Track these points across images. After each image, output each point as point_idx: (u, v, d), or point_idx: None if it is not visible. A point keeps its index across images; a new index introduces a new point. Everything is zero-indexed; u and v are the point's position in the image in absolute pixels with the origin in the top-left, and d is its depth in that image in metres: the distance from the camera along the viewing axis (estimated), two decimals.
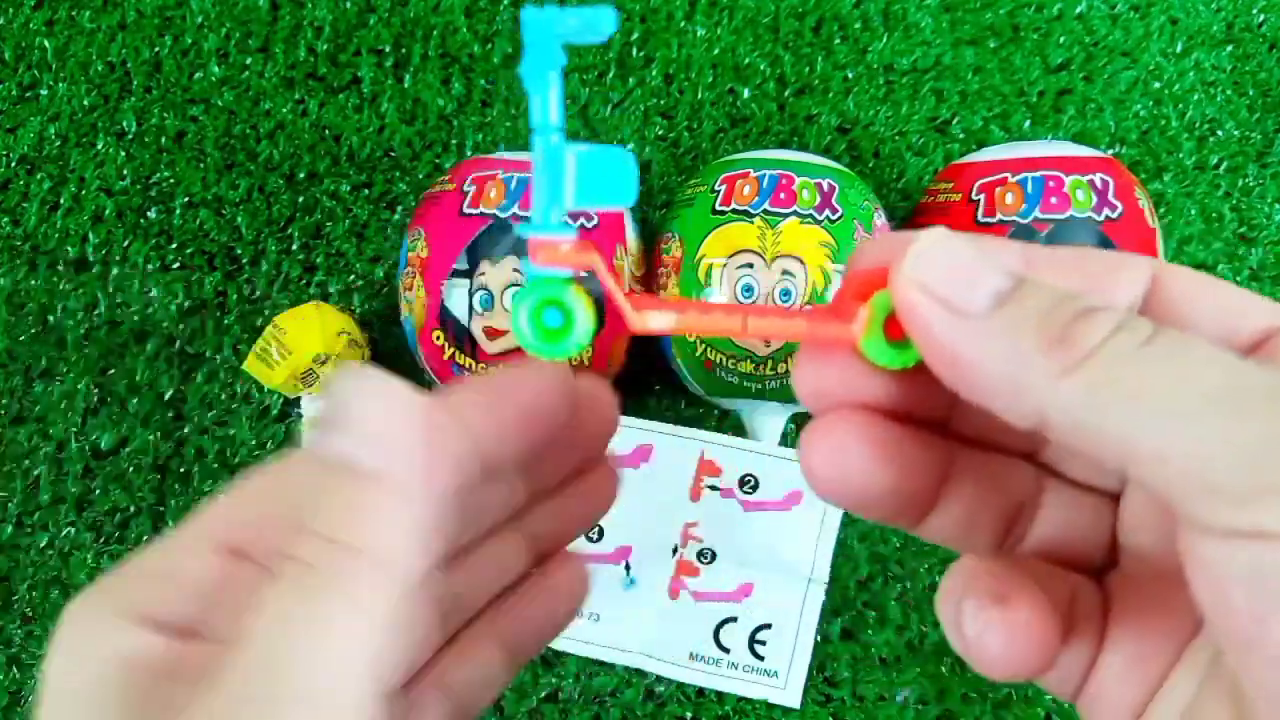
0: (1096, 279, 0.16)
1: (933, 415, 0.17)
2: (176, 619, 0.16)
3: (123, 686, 0.15)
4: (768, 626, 0.37)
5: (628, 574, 0.38)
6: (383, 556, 0.15)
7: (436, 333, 0.34)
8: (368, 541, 0.15)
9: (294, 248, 0.42)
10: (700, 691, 0.38)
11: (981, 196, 0.34)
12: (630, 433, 0.38)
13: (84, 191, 0.43)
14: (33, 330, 0.41)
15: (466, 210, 0.34)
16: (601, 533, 0.38)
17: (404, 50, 0.44)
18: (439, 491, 0.15)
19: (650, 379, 0.40)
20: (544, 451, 0.19)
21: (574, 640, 0.38)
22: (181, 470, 0.40)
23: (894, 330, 0.17)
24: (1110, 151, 0.42)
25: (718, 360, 0.34)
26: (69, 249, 0.42)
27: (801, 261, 0.33)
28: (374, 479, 0.15)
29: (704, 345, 0.34)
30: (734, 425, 0.40)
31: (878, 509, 0.17)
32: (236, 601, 0.16)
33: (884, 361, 0.16)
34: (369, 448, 0.15)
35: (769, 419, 0.36)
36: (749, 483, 0.38)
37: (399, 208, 0.42)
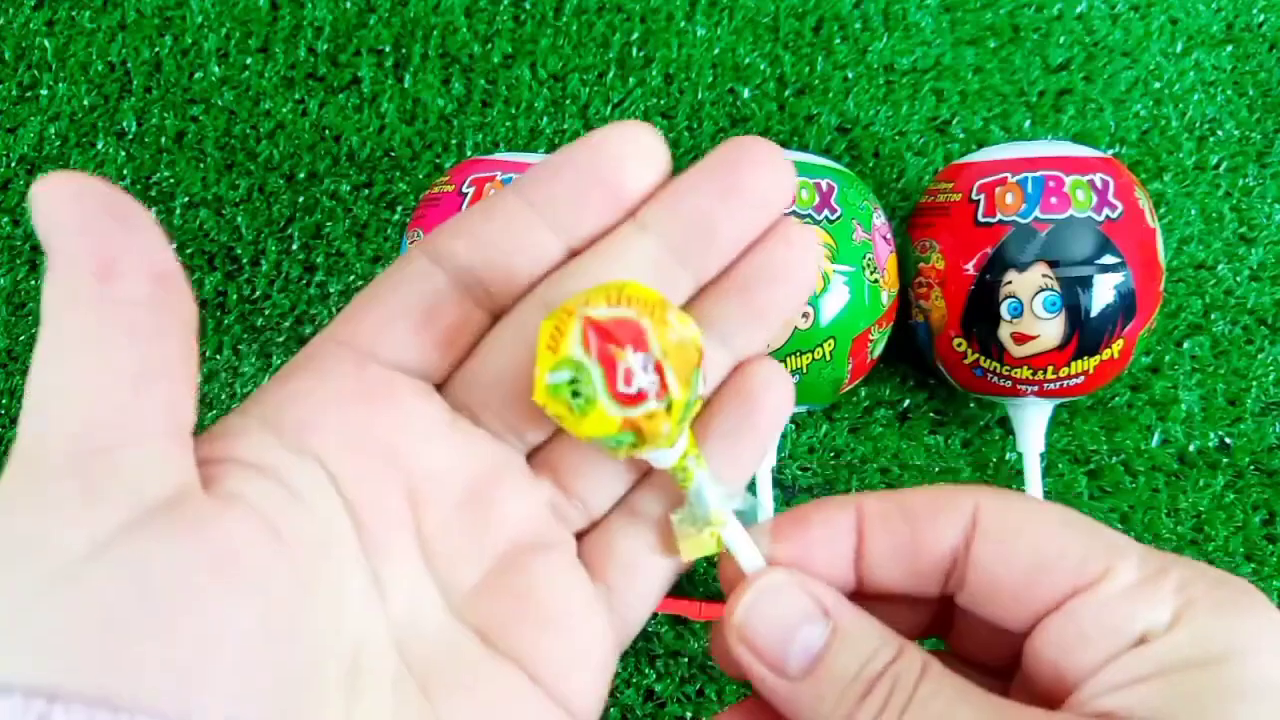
0: (922, 528, 0.18)
1: None
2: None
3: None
4: None
5: None
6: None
7: None
8: None
9: (294, 248, 0.42)
10: (700, 691, 0.38)
11: (981, 196, 0.34)
12: None
13: None
14: (33, 330, 0.42)
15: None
16: None
17: (404, 50, 0.44)
18: None
19: None
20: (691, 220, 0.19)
21: None
22: None
23: None
24: (1110, 151, 0.42)
25: None
26: None
27: None
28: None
29: None
30: None
31: None
32: None
33: None
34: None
35: None
36: None
37: (399, 207, 0.42)
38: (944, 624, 0.21)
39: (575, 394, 0.17)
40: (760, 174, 0.19)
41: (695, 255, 0.19)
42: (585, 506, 0.20)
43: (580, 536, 0.20)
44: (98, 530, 0.14)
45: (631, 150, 0.19)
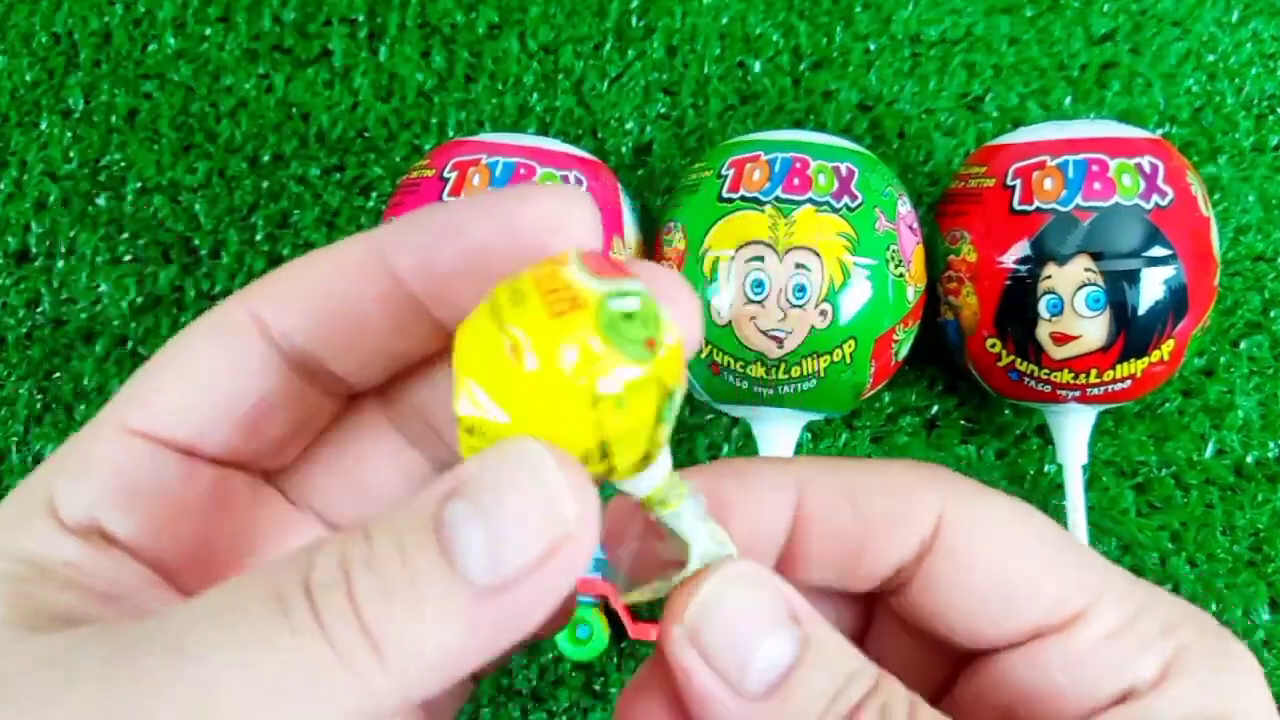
0: (874, 533, 0.17)
1: None
2: (125, 535, 0.16)
3: (14, 589, 0.15)
4: None
5: None
6: (391, 685, 0.13)
7: None
8: (395, 661, 0.13)
9: (258, 238, 0.42)
10: None
11: (1017, 182, 0.34)
12: None
13: (26, 176, 0.43)
14: None
15: (447, 199, 0.34)
16: None
17: (379, 19, 0.44)
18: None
19: None
20: None
21: None
22: None
23: None
24: (1159, 131, 0.42)
25: (725, 364, 0.34)
26: (9, 239, 0.42)
27: (817, 254, 0.33)
28: (464, 601, 0.13)
29: (710, 346, 0.34)
30: (743, 434, 0.40)
31: None
32: (207, 531, 0.16)
33: None
34: (490, 565, 0.13)
35: (781, 429, 0.36)
36: None
37: (374, 194, 0.42)
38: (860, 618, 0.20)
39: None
40: None
41: None
42: None
43: None
44: None
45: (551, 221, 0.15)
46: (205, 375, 0.17)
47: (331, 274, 0.16)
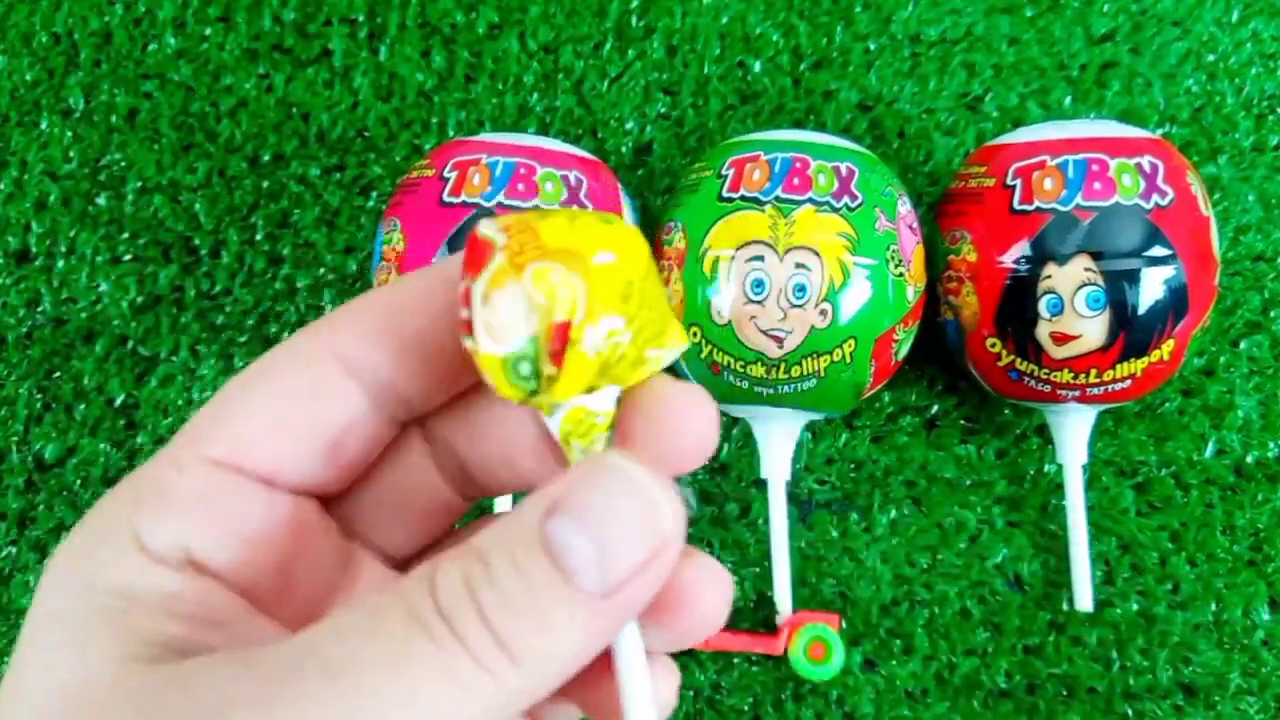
0: None
1: None
2: (215, 564, 0.16)
3: (117, 624, 0.15)
4: None
5: None
6: (525, 684, 0.15)
7: None
8: (527, 662, 0.14)
9: (258, 238, 0.42)
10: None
11: (1018, 181, 0.34)
12: None
13: (26, 176, 0.43)
14: None
15: (447, 199, 0.34)
16: None
17: (379, 19, 0.44)
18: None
19: None
20: None
21: None
22: None
23: (814, 652, 0.37)
24: (1159, 131, 0.42)
25: (725, 363, 0.34)
26: (10, 239, 0.42)
27: (817, 253, 0.33)
28: (582, 608, 0.15)
29: (710, 346, 0.34)
30: (743, 434, 0.40)
31: None
32: (304, 565, 0.17)
33: (805, 673, 0.37)
34: (601, 574, 0.15)
35: (781, 428, 0.36)
36: None
37: (374, 193, 0.42)
38: None
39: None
40: None
41: None
42: None
43: None
44: None
45: None
46: (285, 405, 0.17)
47: (406, 301, 0.17)
